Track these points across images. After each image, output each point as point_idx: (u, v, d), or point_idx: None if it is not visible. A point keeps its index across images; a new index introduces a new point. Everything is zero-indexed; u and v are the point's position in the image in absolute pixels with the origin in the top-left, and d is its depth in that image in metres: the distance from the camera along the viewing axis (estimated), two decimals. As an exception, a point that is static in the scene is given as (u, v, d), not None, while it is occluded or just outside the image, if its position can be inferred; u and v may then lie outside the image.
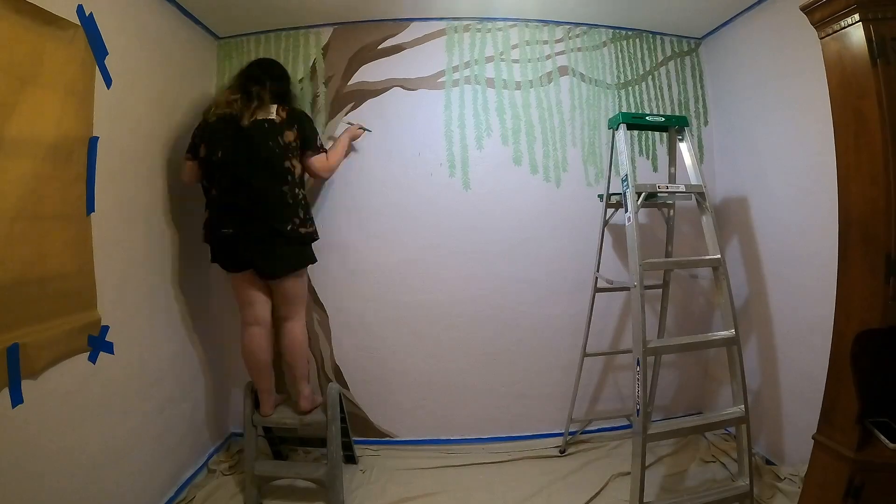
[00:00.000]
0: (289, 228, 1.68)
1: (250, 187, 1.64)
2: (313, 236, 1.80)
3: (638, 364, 1.52)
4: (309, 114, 2.00)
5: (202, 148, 1.69)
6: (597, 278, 2.02)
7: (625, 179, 1.61)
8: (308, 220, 1.77)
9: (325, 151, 1.85)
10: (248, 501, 1.74)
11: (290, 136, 1.71)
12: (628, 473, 1.90)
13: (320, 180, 2.05)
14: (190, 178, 1.77)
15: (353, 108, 2.13)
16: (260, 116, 1.68)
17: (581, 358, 2.06)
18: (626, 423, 2.22)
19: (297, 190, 1.73)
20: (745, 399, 1.58)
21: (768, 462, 1.88)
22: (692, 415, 2.29)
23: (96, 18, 1.37)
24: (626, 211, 1.61)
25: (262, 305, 1.79)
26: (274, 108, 1.72)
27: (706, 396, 2.33)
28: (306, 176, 1.88)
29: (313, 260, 1.84)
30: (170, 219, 1.84)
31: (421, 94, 2.14)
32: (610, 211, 1.99)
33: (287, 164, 1.70)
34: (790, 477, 1.71)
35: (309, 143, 1.77)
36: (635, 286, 1.56)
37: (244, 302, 1.78)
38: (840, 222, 1.22)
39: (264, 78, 1.75)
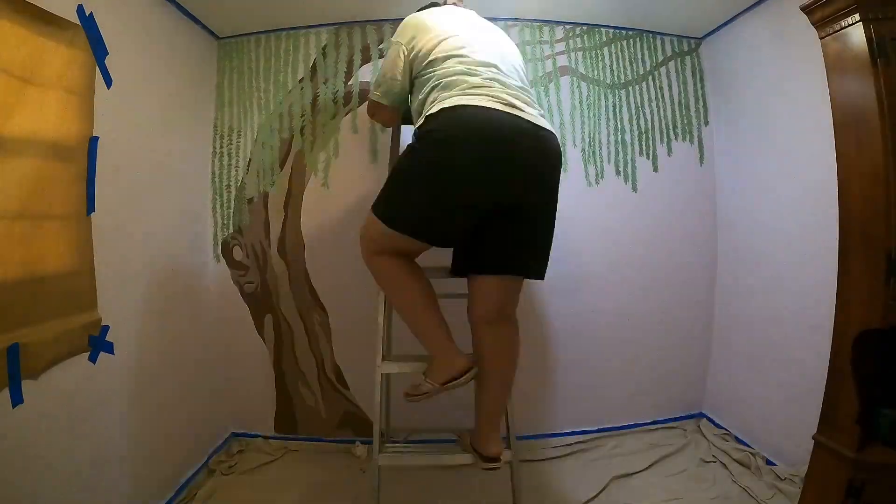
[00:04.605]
0: None
1: None
2: None
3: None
4: (308, 114, 1.99)
5: None
6: None
7: None
8: None
9: None
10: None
11: None
12: (628, 475, 1.91)
13: None
14: None
15: (352, 108, 2.13)
16: None
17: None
18: (629, 423, 2.22)
19: None
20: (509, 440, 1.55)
21: (768, 462, 1.87)
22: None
23: (96, 18, 1.37)
24: None
25: None
26: None
27: (709, 397, 2.33)
28: None
29: None
30: (170, 218, 1.83)
31: (421, 94, 2.13)
32: None
33: None
34: (790, 477, 1.71)
35: None
36: None
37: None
38: (840, 222, 1.22)
39: None
